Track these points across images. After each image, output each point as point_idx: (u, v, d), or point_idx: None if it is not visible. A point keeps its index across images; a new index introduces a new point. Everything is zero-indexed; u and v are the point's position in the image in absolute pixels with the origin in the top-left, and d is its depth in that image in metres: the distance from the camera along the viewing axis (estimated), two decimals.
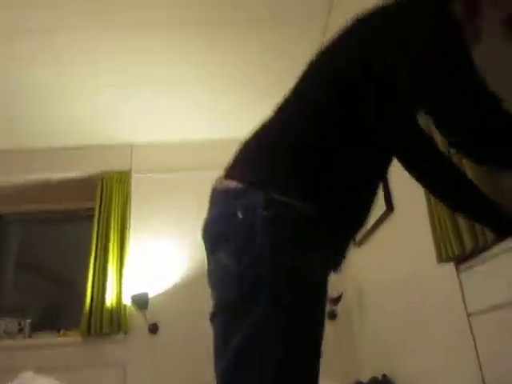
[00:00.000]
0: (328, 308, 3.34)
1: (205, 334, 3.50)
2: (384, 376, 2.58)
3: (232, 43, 3.02)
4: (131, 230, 3.70)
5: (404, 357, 2.36)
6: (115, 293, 3.44)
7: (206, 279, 3.61)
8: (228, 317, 0.84)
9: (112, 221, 3.68)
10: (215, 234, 0.92)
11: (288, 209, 0.85)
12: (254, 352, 0.78)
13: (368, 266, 2.97)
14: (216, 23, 2.83)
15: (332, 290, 3.27)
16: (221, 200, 0.95)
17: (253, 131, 1.06)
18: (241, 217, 0.86)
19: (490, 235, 1.52)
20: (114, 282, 3.47)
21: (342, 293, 3.29)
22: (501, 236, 1.39)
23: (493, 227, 1.32)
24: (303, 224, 0.86)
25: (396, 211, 2.42)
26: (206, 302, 3.50)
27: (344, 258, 1.03)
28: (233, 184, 0.92)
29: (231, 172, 0.99)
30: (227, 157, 4.18)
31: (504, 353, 1.55)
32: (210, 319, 0.89)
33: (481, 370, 1.68)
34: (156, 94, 3.45)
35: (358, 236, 2.81)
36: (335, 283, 3.17)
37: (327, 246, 0.92)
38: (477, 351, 1.71)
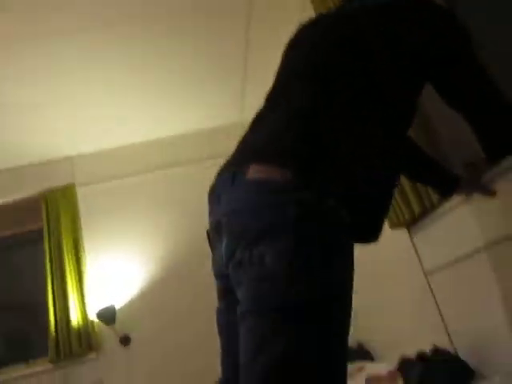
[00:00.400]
0: None
1: (179, 337, 3.47)
2: (359, 345, 2.68)
3: (168, 45, 2.96)
4: (85, 243, 3.59)
5: (374, 323, 2.47)
6: (79, 311, 3.34)
7: (172, 281, 3.54)
8: (270, 319, 0.79)
9: (64, 238, 3.55)
10: (256, 227, 0.83)
11: (335, 212, 0.84)
12: (303, 355, 0.77)
13: None
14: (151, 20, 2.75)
15: None
16: (260, 190, 0.86)
17: (266, 121, 1.01)
18: (293, 214, 0.80)
19: (435, 197, 1.62)
20: (76, 300, 3.37)
21: None
22: (445, 195, 1.48)
23: (438, 187, 1.42)
24: (347, 227, 0.87)
25: None
26: (174, 305, 3.46)
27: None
28: (276, 174, 0.84)
29: (267, 159, 0.89)
30: (169, 155, 4.09)
31: (461, 303, 1.67)
32: (241, 316, 0.83)
33: (443, 321, 1.80)
34: (90, 101, 3.33)
35: None
36: None
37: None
38: (437, 305, 1.82)
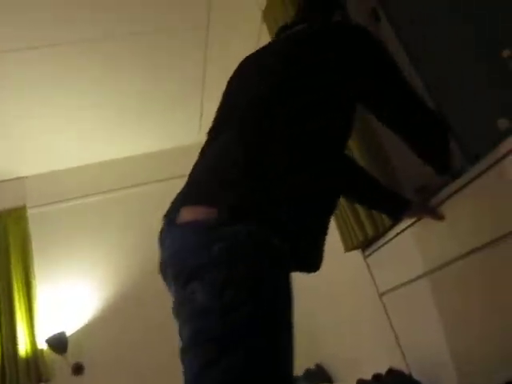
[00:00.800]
0: None
1: (134, 364, 3.34)
2: (317, 366, 2.68)
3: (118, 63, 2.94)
4: (36, 268, 3.43)
5: (332, 345, 2.49)
6: (28, 340, 3.17)
7: (125, 306, 3.43)
8: (206, 350, 0.80)
9: (13, 263, 3.37)
10: (187, 267, 0.87)
11: (263, 242, 0.87)
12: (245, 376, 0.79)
13: None
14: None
15: None
16: (189, 232, 0.90)
17: (205, 156, 1.05)
18: (219, 250, 0.84)
19: (387, 221, 1.67)
20: (25, 328, 3.20)
21: None
22: (395, 219, 1.54)
23: (388, 211, 1.47)
24: (278, 255, 0.89)
25: None
26: (127, 330, 3.34)
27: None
28: (203, 215, 0.89)
29: (194, 201, 0.94)
30: (124, 177, 3.98)
31: (414, 323, 1.71)
32: (182, 353, 0.85)
33: (397, 342, 1.84)
34: (42, 122, 3.24)
35: None
36: None
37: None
38: (392, 326, 1.86)
